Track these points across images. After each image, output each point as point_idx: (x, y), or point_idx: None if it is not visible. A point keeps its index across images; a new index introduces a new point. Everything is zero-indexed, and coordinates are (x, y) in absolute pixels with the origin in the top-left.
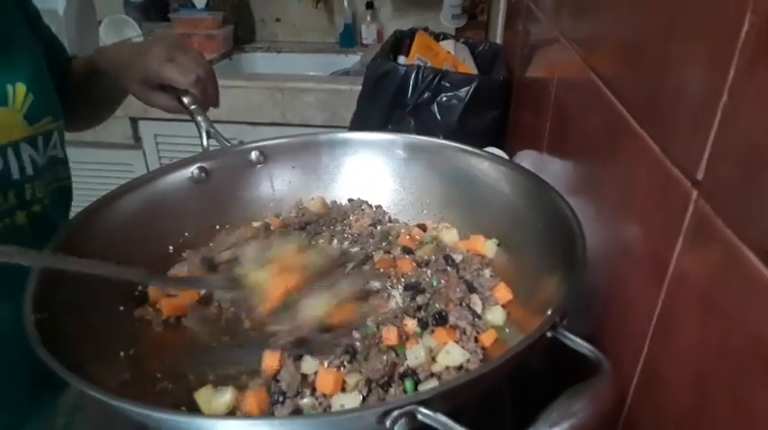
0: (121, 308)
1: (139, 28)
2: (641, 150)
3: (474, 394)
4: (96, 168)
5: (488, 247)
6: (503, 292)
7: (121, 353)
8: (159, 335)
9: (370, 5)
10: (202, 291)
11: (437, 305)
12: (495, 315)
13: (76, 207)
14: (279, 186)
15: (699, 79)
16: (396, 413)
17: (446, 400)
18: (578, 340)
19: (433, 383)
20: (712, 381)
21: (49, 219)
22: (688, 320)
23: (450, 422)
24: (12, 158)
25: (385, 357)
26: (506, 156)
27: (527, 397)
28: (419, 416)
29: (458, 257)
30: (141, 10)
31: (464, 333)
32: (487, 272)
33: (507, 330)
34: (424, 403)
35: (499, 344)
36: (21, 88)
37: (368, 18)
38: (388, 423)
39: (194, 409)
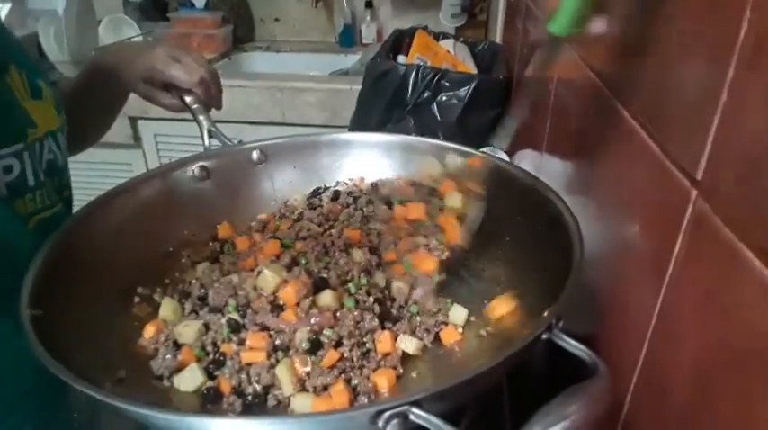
0: (119, 305)
1: (138, 28)
2: (640, 150)
3: (469, 395)
4: (95, 168)
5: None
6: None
7: (118, 351)
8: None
9: (369, 5)
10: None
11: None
12: (457, 314)
13: (76, 206)
14: (279, 186)
15: (698, 78)
16: (388, 413)
17: (438, 401)
18: (573, 342)
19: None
20: (712, 381)
21: (72, 203)
22: (687, 320)
23: (441, 423)
24: (54, 148)
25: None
26: (506, 157)
27: (529, 399)
28: (411, 417)
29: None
30: (140, 10)
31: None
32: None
33: (503, 330)
34: (417, 404)
35: (468, 342)
36: (42, 83)
37: (367, 17)
38: (380, 423)
39: (190, 408)
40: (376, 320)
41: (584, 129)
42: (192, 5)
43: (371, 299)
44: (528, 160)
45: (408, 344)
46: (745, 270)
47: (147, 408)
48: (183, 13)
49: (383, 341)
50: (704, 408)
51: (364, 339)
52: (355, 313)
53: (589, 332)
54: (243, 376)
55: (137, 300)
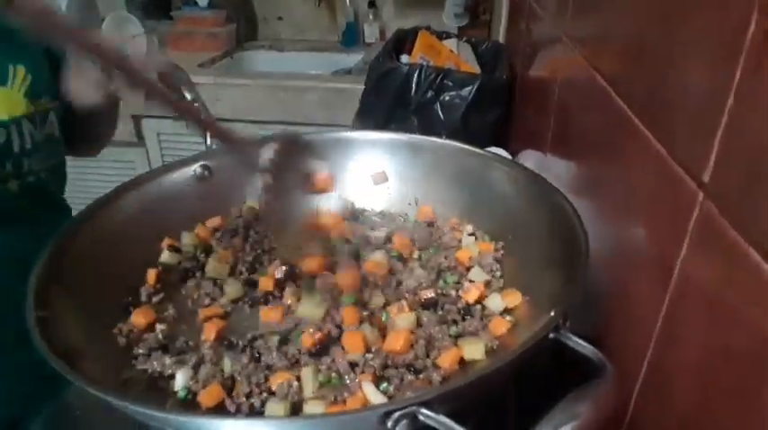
0: (125, 305)
1: (141, 25)
2: (646, 151)
3: (476, 395)
4: (98, 166)
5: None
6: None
7: (123, 352)
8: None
9: (372, 4)
10: None
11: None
12: (495, 302)
13: (79, 205)
14: None
15: (705, 80)
16: (397, 414)
17: (447, 401)
18: (581, 342)
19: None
20: (717, 382)
21: (43, 191)
22: (693, 321)
23: (451, 423)
24: (14, 134)
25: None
26: (509, 156)
27: (532, 398)
28: (420, 417)
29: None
30: (143, 7)
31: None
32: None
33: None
34: (426, 404)
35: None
36: (20, 69)
37: (370, 17)
38: (389, 424)
39: (196, 408)
40: (447, 340)
41: (588, 130)
42: (195, 3)
43: (454, 308)
44: (531, 160)
45: (476, 351)
46: (752, 271)
47: (156, 410)
48: (187, 11)
49: (449, 357)
50: (709, 409)
51: (428, 357)
52: (436, 329)
53: (594, 333)
54: (258, 388)
55: (143, 299)
